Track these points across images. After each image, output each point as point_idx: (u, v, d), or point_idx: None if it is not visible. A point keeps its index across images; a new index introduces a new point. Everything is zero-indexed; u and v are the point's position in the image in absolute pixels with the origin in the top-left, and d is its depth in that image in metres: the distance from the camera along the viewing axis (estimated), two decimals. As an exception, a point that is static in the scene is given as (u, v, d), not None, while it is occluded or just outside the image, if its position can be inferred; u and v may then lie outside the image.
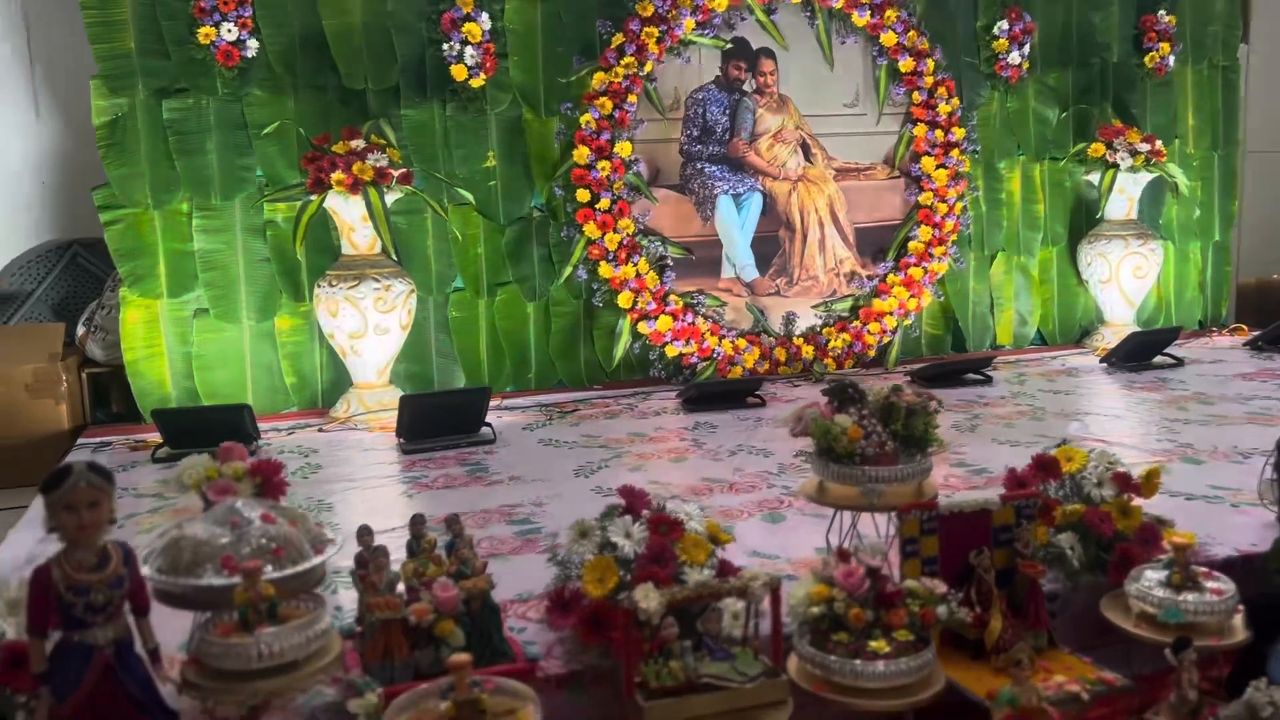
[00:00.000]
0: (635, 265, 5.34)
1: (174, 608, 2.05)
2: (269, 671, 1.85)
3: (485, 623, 2.28)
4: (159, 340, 4.88)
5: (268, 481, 2.25)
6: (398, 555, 2.38)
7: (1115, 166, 6.13)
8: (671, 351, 5.45)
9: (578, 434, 4.58)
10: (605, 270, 5.30)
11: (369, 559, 2.36)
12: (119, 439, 4.62)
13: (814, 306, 5.82)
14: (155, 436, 4.39)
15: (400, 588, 2.28)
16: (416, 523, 2.47)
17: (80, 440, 4.68)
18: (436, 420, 4.43)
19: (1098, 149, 6.17)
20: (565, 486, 3.79)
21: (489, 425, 4.55)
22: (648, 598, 2.09)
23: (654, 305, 5.40)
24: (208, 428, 4.21)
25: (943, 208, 5.91)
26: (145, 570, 2.01)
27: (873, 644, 2.18)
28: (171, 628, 2.12)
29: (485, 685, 2.03)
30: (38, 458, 4.58)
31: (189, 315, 4.92)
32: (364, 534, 2.38)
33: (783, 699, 2.14)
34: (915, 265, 5.89)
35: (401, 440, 4.44)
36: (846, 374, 5.66)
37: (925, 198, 5.92)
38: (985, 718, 2.26)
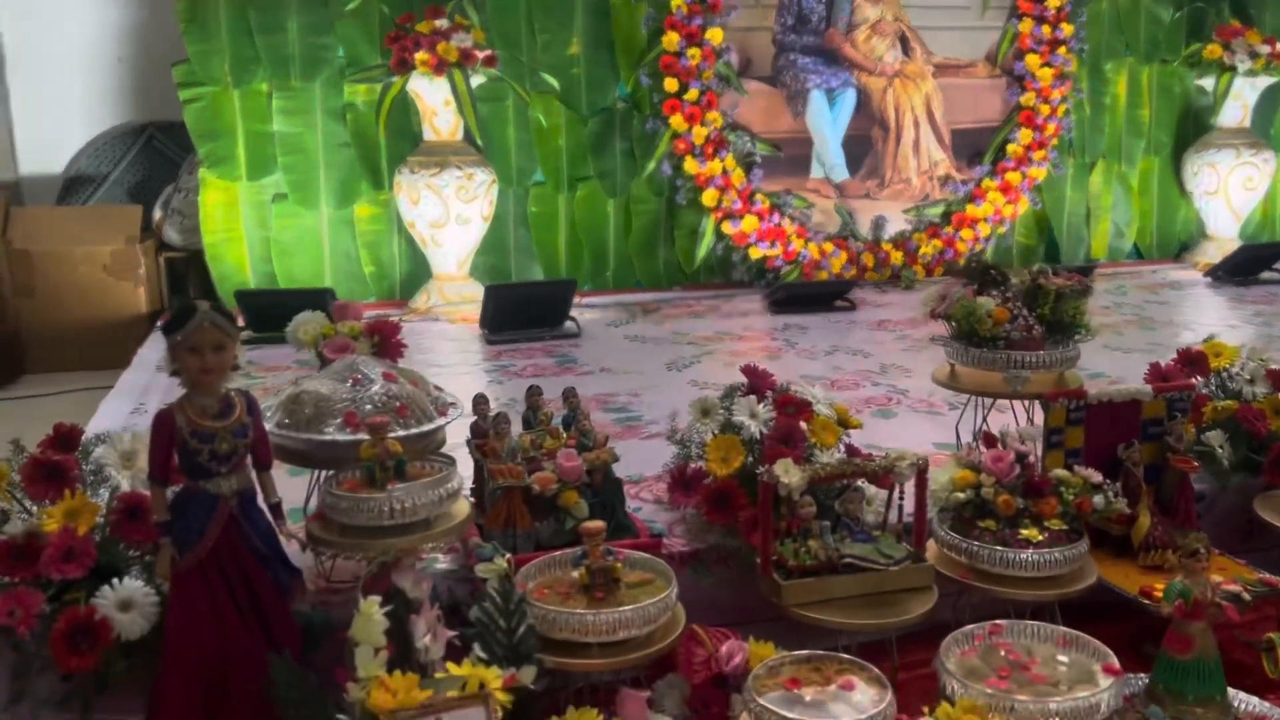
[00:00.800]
0: (722, 161, 5.14)
1: (295, 465, 1.96)
2: (398, 529, 1.76)
3: (609, 496, 2.17)
4: (238, 224, 4.79)
5: (386, 341, 2.14)
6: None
7: (1232, 70, 5.76)
8: (755, 254, 5.27)
9: (664, 331, 4.44)
10: (691, 165, 5.10)
11: (487, 428, 2.25)
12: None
13: (905, 211, 5.58)
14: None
15: (518, 458, 2.17)
16: (533, 394, 2.35)
17: (159, 324, 4.64)
18: (521, 312, 4.31)
19: (1213, 50, 5.80)
20: (658, 379, 3.67)
21: (573, 319, 4.42)
22: (788, 472, 1.96)
23: (740, 204, 5.20)
24: (291, 311, 4.11)
25: (1045, 109, 5.60)
26: (266, 426, 1.91)
27: (1024, 532, 2.04)
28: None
29: (617, 556, 1.93)
30: (116, 341, 4.55)
31: (268, 200, 4.82)
32: (480, 403, 2.27)
33: (927, 584, 2.01)
34: (1013, 170, 5.61)
35: (485, 331, 4.33)
36: (933, 281, 5.44)
37: (1027, 99, 5.61)
38: (1132, 616, 2.13)
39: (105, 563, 1.90)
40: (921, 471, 2.04)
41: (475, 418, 2.30)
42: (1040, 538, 2.03)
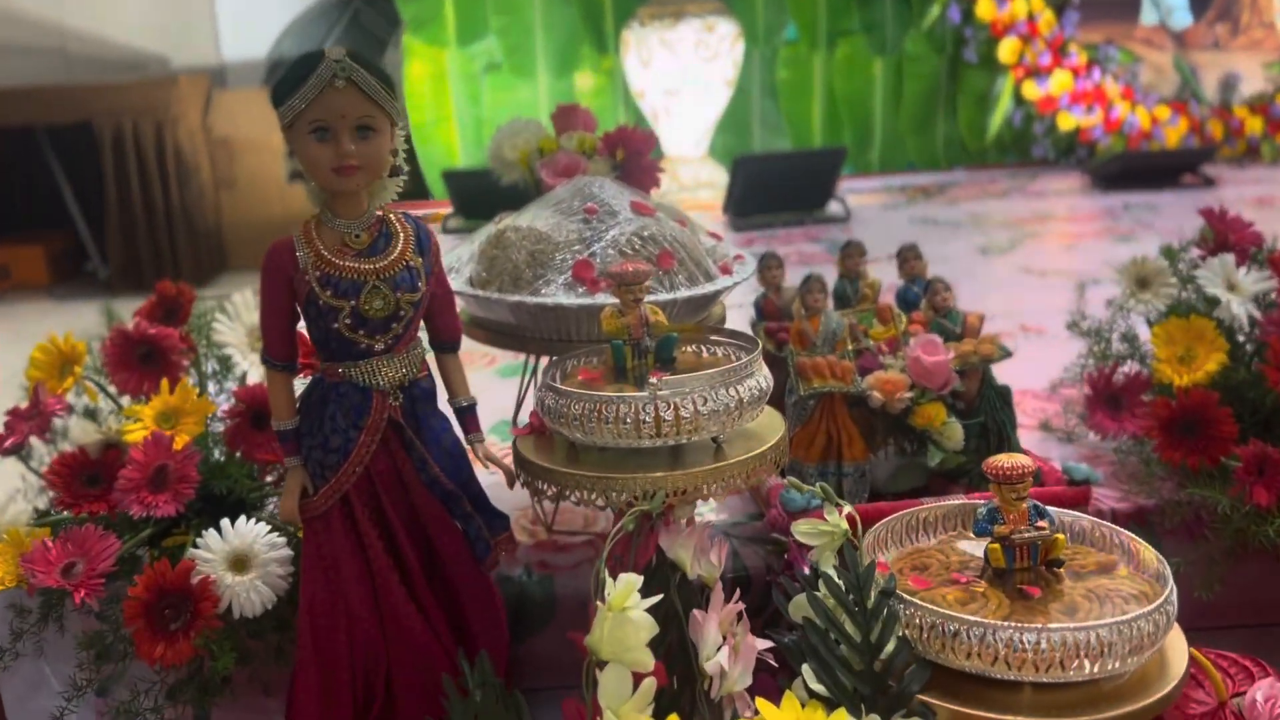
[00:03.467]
0: (1027, 1, 4.04)
1: (497, 347, 1.23)
2: (669, 455, 0.99)
3: (991, 413, 1.33)
4: (446, 100, 4.17)
5: (635, 161, 1.36)
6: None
7: None
8: (1066, 122, 4.17)
9: (959, 213, 3.48)
10: (985, 9, 4.04)
11: (781, 303, 1.45)
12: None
13: (1266, 66, 4.29)
14: (442, 210, 3.71)
15: (843, 348, 1.35)
16: (850, 254, 1.52)
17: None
18: (776, 190, 3.45)
19: None
20: (974, 266, 2.74)
21: (840, 199, 3.53)
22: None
23: (1047, 58, 4.10)
24: (503, 192, 3.46)
25: None
26: (452, 280, 1.18)
27: None
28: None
29: (1054, 521, 1.08)
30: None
31: (479, 70, 4.17)
32: (770, 264, 1.46)
33: None
34: None
35: (729, 215, 3.52)
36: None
37: None
38: None
39: (226, 494, 1.24)
40: None
41: (762, 289, 1.50)
42: None
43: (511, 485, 1.08)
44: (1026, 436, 1.59)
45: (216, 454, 1.27)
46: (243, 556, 1.12)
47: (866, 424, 1.31)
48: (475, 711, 0.95)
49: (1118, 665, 0.94)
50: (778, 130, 4.34)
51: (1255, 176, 3.88)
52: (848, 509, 1.10)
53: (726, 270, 1.24)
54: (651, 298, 1.13)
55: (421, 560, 1.08)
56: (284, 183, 4.32)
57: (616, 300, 1.05)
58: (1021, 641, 0.92)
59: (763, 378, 1.04)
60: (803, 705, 0.94)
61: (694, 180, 4.01)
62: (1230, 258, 1.40)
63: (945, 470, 1.31)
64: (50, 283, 4.21)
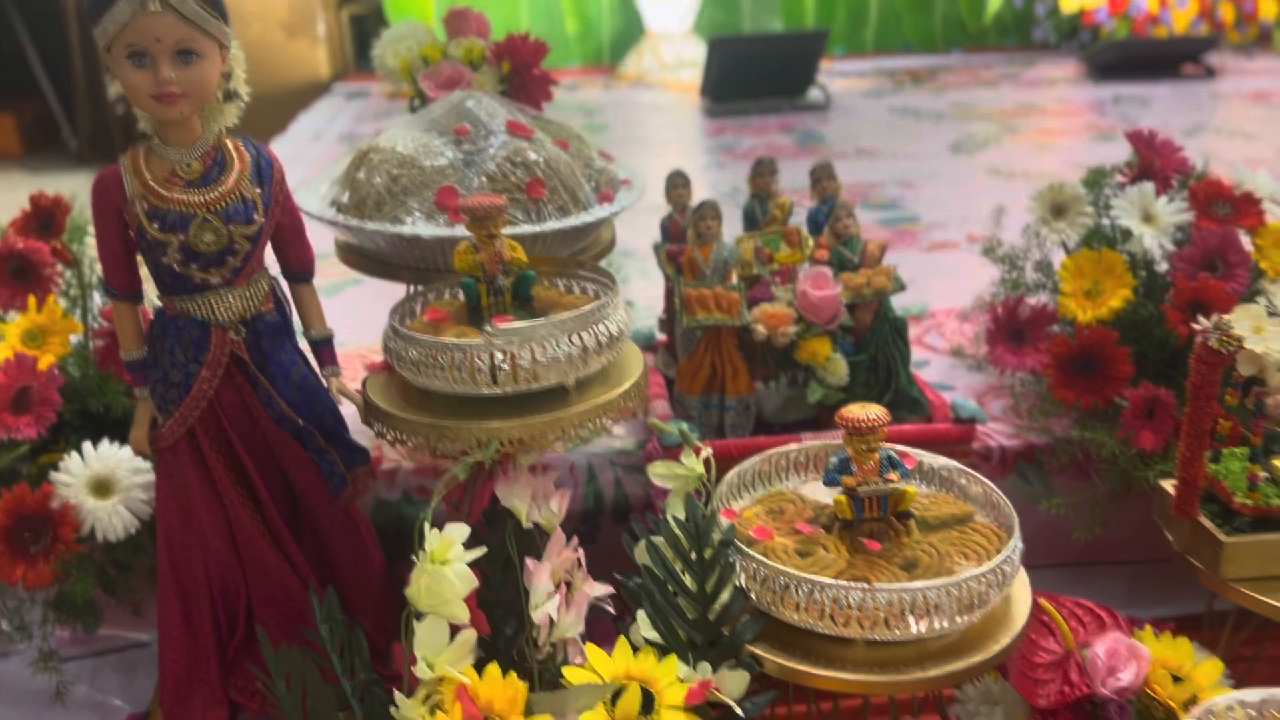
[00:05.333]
0: None
1: (362, 273, 1.19)
2: (510, 403, 0.96)
3: (881, 347, 1.29)
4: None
5: (524, 74, 1.29)
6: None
7: None
8: (1069, 4, 3.97)
9: (944, 103, 3.35)
10: (991, -121, 3.80)
11: (680, 224, 1.40)
12: (378, 87, 3.88)
13: (1289, -56, 4.05)
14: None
15: (734, 278, 1.30)
16: (762, 173, 1.45)
17: (335, 86, 4.00)
18: (754, 74, 3.32)
19: None
20: (941, 165, 2.65)
21: (821, 86, 3.40)
22: (1260, 330, 0.99)
23: (1054, -67, 3.88)
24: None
25: None
26: (309, 205, 1.14)
27: None
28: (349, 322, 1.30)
29: (901, 460, 1.06)
30: (289, 108, 3.95)
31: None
32: (676, 184, 1.41)
33: None
34: None
35: (707, 100, 3.40)
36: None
37: None
38: None
39: (105, 412, 1.24)
40: None
41: (669, 209, 1.45)
42: None
43: (364, 421, 1.06)
44: (938, 362, 1.56)
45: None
46: (105, 480, 1.13)
47: (754, 356, 1.28)
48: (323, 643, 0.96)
49: (946, 625, 0.93)
50: (768, 5, 4.15)
51: (1263, 67, 3.71)
52: (706, 453, 1.08)
53: (607, 198, 1.19)
54: (513, 230, 1.08)
55: (276, 493, 1.08)
56: (254, 52, 4.19)
57: (471, 233, 1.02)
58: (848, 600, 0.92)
59: (614, 322, 1.01)
60: (636, 651, 0.95)
61: (676, 59, 3.87)
62: (1150, 187, 1.33)
63: (831, 405, 1.28)
64: (23, 153, 4.16)
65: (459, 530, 0.90)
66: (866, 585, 0.92)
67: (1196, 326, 1.01)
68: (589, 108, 3.52)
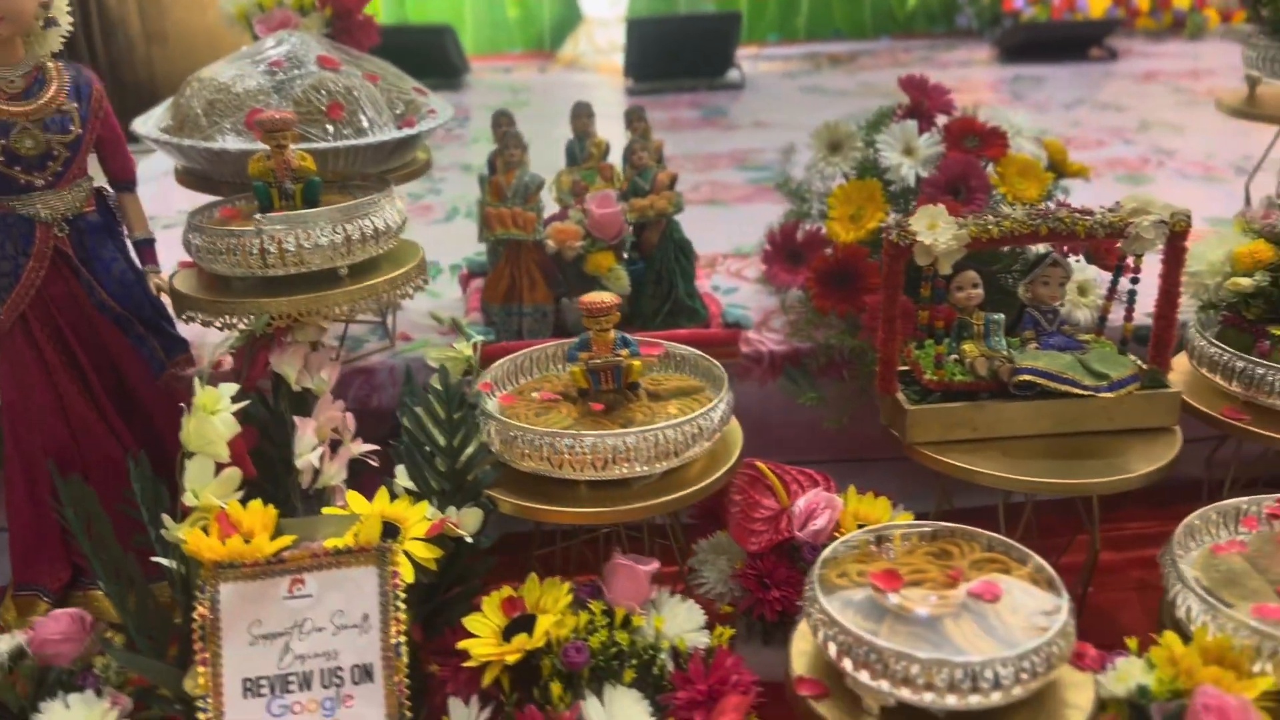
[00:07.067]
0: None
1: (194, 190, 1.36)
2: (286, 284, 1.13)
3: (664, 263, 1.46)
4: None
5: (346, 19, 1.46)
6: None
7: None
8: (989, -10, 4.14)
9: (854, 83, 3.52)
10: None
11: (576, 151, 1.57)
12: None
13: (1201, -67, 4.22)
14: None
15: (550, 205, 1.47)
16: (580, 115, 1.62)
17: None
18: (673, 54, 3.49)
19: None
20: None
21: (737, 67, 3.57)
22: (936, 227, 1.16)
23: (972, -76, 4.05)
24: (406, 52, 3.53)
25: None
26: (141, 127, 1.31)
27: (1361, 349, 1.18)
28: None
29: (649, 350, 1.24)
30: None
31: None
32: (500, 120, 1.57)
33: (1167, 424, 1.20)
34: None
35: (630, 79, 3.57)
36: (1235, 31, 4.11)
37: None
38: None
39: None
40: (1178, 235, 1.18)
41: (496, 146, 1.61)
42: (1392, 362, 1.16)
43: (175, 310, 1.23)
44: (746, 289, 1.73)
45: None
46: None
47: (551, 270, 1.45)
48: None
49: (647, 469, 1.10)
50: (703, -6, 4.32)
51: (1168, 51, 3.87)
52: (476, 339, 1.25)
53: (409, 124, 1.36)
54: (308, 145, 1.25)
55: (104, 375, 1.24)
56: (215, 38, 4.36)
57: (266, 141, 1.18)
58: (560, 446, 1.09)
59: (382, 219, 1.17)
60: (393, 499, 1.12)
61: (609, 43, 4.03)
62: (913, 124, 1.50)
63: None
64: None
65: (228, 387, 1.06)
66: (575, 433, 1.09)
67: (889, 232, 1.18)
68: (517, 88, 3.68)
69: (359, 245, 1.14)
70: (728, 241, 1.95)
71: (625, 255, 1.46)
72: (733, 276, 1.78)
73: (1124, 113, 2.86)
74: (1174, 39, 4.11)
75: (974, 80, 3.49)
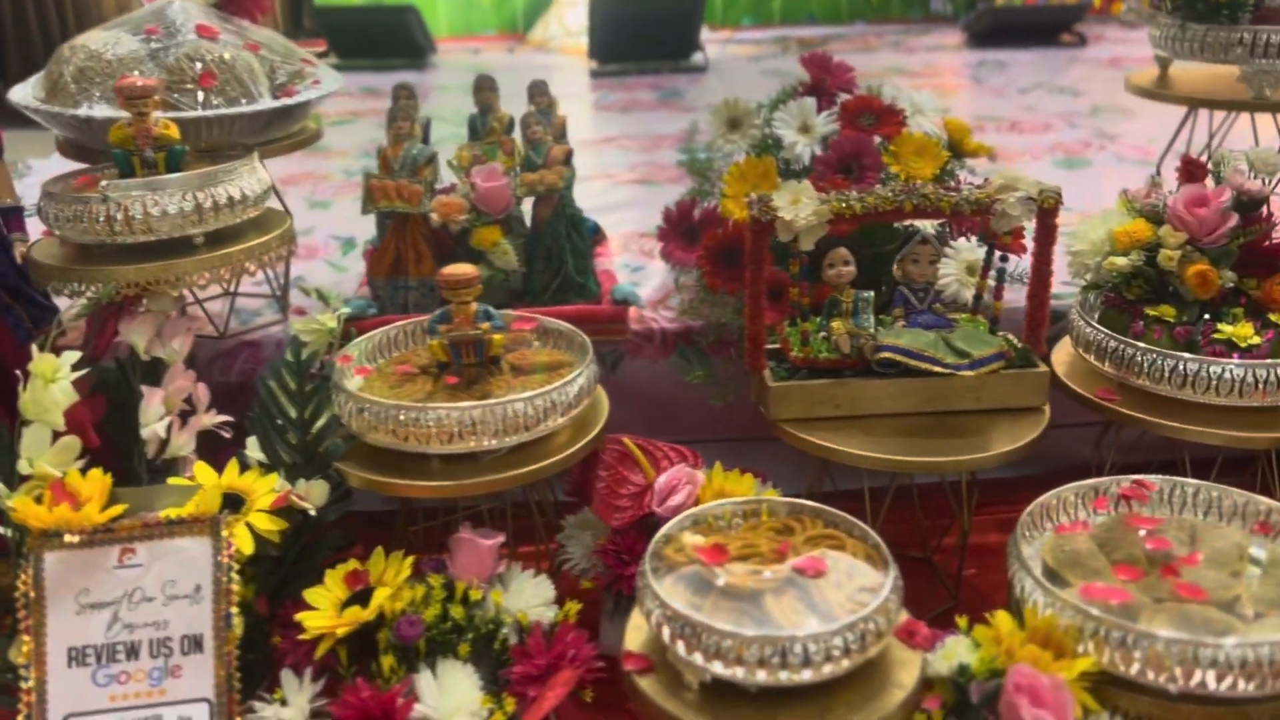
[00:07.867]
0: None
1: (74, 160, 1.35)
2: (150, 251, 1.12)
3: (555, 238, 1.44)
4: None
5: (237, -10, 1.44)
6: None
7: None
8: (964, -25, 4.10)
9: (816, 66, 3.48)
10: None
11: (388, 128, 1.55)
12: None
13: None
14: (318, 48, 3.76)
15: (440, 175, 1.45)
16: (483, 90, 1.61)
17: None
18: (637, 37, 3.47)
19: None
20: (777, 115, 2.78)
21: (702, 50, 3.55)
22: (798, 203, 1.14)
23: (946, -93, 4.01)
24: (372, 33, 3.52)
25: None
26: (17, 95, 1.30)
27: (1228, 329, 1.16)
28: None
29: (520, 324, 1.23)
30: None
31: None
32: (399, 93, 1.56)
33: (1037, 402, 1.18)
34: None
35: (594, 61, 3.55)
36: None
37: None
38: None
39: None
40: (1047, 212, 1.16)
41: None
42: (1256, 341, 1.14)
43: (35, 279, 1.22)
44: (653, 265, 1.71)
45: None
46: None
47: (442, 244, 1.44)
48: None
49: (495, 442, 1.09)
50: (677, -23, 4.28)
51: (1139, 37, 3.82)
52: (341, 312, 1.24)
53: (289, 94, 1.35)
54: (174, 114, 1.24)
55: (-25, 343, 1.24)
56: None
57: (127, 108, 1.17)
58: (406, 418, 1.08)
59: (237, 188, 1.16)
60: (244, 471, 1.11)
61: (579, 26, 4.00)
62: (811, 101, 1.48)
63: (508, 289, 1.43)
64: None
65: (70, 356, 1.06)
66: (421, 406, 1.08)
67: (752, 207, 1.16)
68: (482, 69, 3.65)
69: (212, 213, 1.13)
70: (650, 222, 1.93)
71: (521, 231, 1.44)
72: (644, 255, 1.77)
73: (1079, 98, 2.84)
74: (1146, 25, 4.05)
75: (938, 65, 3.46)
